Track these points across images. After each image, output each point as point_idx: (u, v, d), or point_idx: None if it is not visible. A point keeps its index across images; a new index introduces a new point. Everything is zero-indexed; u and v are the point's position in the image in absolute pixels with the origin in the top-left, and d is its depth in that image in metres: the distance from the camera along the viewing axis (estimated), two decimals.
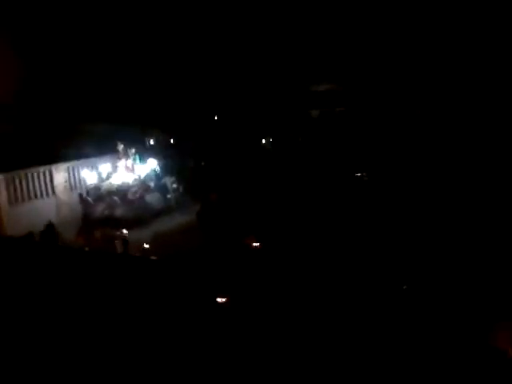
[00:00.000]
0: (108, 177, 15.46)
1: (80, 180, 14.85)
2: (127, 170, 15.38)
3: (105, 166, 15.61)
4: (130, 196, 14.46)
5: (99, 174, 15.38)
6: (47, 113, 15.88)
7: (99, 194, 14.58)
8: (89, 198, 14.08)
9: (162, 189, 16.44)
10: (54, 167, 13.98)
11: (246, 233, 8.43)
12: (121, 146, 15.52)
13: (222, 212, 11.49)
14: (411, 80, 13.85)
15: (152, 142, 18.44)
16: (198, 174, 16.63)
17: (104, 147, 15.95)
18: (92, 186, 14.72)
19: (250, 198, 12.18)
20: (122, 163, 15.51)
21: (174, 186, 16.34)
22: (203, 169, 16.50)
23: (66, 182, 14.06)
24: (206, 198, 12.89)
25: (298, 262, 6.85)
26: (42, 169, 13.59)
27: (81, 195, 14.31)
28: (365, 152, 14.04)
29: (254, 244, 6.84)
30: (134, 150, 15.80)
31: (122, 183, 14.61)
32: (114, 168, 15.47)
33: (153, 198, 15.52)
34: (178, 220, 14.26)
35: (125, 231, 11.93)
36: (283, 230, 8.80)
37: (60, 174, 14.10)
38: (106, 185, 14.71)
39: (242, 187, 13.21)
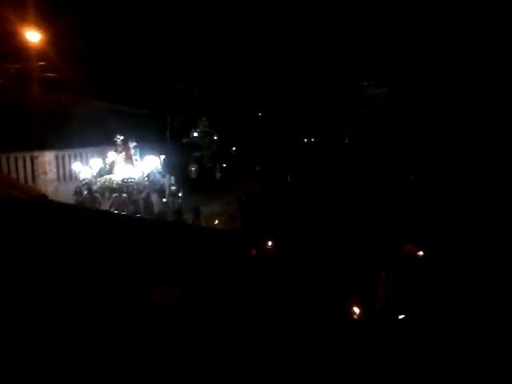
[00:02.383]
0: (101, 172, 13.27)
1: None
2: (128, 165, 13.26)
3: (98, 159, 13.47)
4: (134, 195, 12.38)
5: (91, 168, 13.20)
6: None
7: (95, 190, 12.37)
8: (97, 194, 11.81)
9: (160, 190, 14.48)
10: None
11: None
12: (120, 138, 13.39)
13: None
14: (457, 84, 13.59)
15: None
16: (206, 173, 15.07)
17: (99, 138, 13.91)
18: (87, 180, 12.43)
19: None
20: (120, 157, 13.36)
21: (173, 188, 14.41)
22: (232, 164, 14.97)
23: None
24: (247, 189, 11.71)
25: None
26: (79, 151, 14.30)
27: (79, 189, 11.96)
28: (411, 152, 13.63)
29: (418, 253, 5.63)
30: (134, 144, 13.71)
31: (127, 179, 12.46)
32: (111, 162, 13.33)
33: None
34: None
35: None
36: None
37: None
38: (104, 180, 12.47)
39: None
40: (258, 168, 14.66)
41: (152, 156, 14.17)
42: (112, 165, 13.38)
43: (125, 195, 11.70)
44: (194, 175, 16.41)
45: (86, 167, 12.83)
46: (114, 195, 11.58)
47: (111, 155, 13.74)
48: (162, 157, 14.44)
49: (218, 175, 16.39)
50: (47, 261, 5.92)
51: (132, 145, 13.58)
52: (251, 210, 11.28)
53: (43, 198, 9.47)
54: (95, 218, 8.45)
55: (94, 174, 12.91)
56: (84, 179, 12.39)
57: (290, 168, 14.18)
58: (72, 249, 6.30)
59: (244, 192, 12.21)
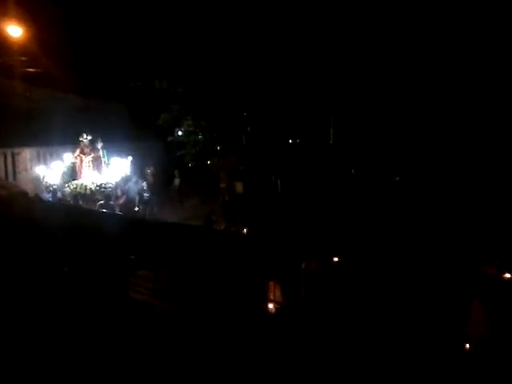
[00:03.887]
0: (64, 177, 11.68)
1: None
2: (97, 169, 11.86)
3: (62, 161, 11.81)
4: (112, 202, 11.12)
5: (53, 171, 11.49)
6: None
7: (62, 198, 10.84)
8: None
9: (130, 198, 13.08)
10: None
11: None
12: (87, 138, 11.88)
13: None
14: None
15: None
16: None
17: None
18: (54, 186, 10.86)
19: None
20: (87, 159, 11.88)
21: (146, 195, 13.02)
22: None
23: None
24: (231, 190, 11.45)
25: None
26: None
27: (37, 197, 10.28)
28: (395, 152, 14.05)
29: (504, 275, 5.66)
30: (101, 144, 12.25)
31: (105, 184, 11.13)
32: (72, 164, 11.79)
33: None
34: None
35: None
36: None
37: None
38: (74, 185, 11.00)
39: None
40: (241, 168, 14.30)
41: (119, 158, 12.86)
42: (73, 168, 11.90)
43: (112, 202, 10.49)
44: (149, 179, 15.22)
45: (50, 171, 11.21)
46: (99, 202, 10.30)
47: (68, 157, 12.21)
48: (130, 158, 13.17)
49: (177, 181, 15.54)
50: (28, 258, 5.94)
51: (99, 145, 12.21)
52: (235, 210, 10.97)
53: (24, 194, 9.32)
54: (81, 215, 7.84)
55: (59, 180, 11.37)
56: (50, 185, 10.83)
57: (275, 168, 14.06)
58: (53, 245, 6.24)
59: (228, 192, 11.85)
